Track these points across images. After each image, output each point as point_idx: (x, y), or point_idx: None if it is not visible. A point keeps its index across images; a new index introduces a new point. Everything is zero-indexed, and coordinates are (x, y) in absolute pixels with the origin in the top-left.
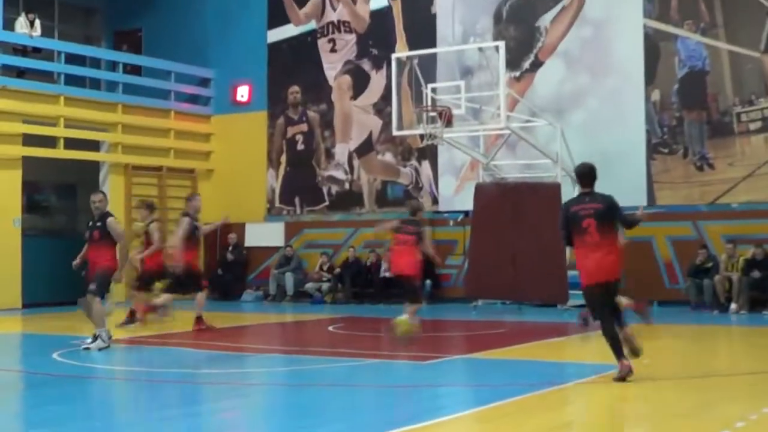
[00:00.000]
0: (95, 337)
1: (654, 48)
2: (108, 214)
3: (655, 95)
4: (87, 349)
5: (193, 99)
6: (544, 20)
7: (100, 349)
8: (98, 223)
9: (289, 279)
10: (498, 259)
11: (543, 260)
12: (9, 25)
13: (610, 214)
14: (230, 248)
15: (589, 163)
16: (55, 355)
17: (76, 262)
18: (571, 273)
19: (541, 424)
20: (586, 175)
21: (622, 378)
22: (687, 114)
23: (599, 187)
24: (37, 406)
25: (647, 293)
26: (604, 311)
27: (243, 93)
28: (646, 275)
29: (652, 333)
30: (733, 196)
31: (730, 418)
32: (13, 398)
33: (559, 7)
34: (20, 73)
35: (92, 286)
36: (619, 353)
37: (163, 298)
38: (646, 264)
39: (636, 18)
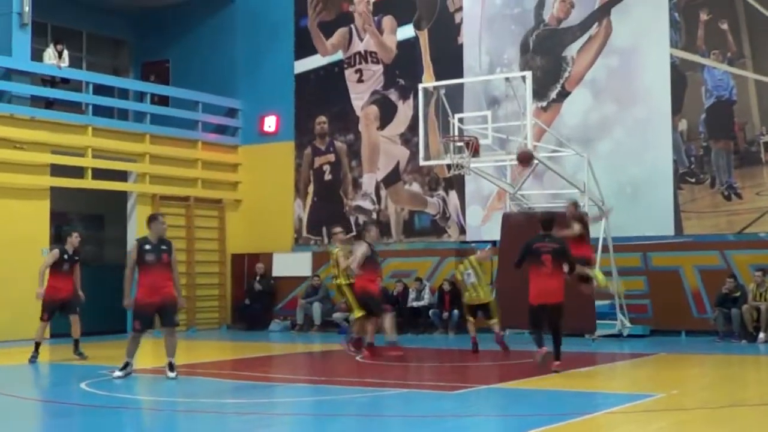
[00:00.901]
0: (125, 365)
1: (681, 78)
2: (167, 239)
3: (682, 125)
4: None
5: (221, 129)
6: (571, 50)
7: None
8: (164, 246)
9: (316, 309)
10: (526, 289)
11: (571, 290)
12: (37, 56)
13: (562, 254)
14: (258, 278)
15: (552, 212)
16: (82, 385)
17: (128, 302)
18: (598, 303)
19: None
20: (549, 221)
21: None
22: (714, 143)
23: (628, 215)
24: None
25: (675, 322)
26: (542, 323)
27: (270, 123)
28: (674, 305)
29: (680, 363)
30: (761, 225)
31: None
32: (42, 429)
33: (585, 37)
34: (49, 103)
35: (177, 319)
36: (540, 344)
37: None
38: (674, 293)
39: (662, 48)
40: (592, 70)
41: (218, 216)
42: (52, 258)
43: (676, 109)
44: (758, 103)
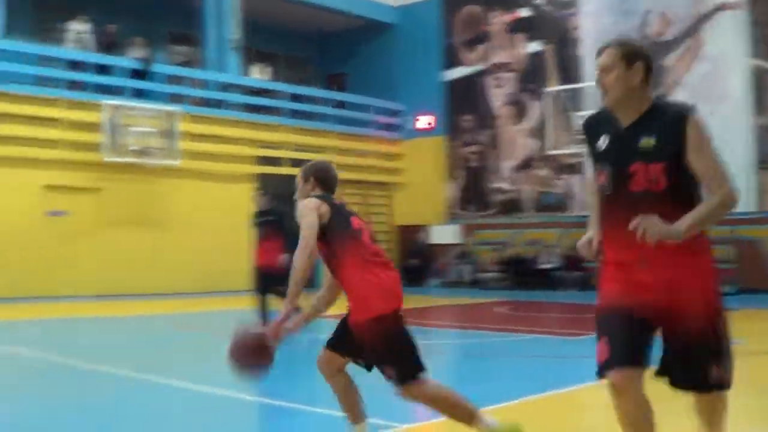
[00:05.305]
0: None
1: (759, 81)
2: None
3: (761, 120)
4: None
5: (387, 127)
6: (670, 59)
7: None
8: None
9: (465, 269)
10: None
11: None
12: (246, 73)
13: None
14: (418, 245)
15: None
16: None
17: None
18: None
19: (662, 391)
20: None
21: None
22: None
23: None
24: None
25: (758, 284)
26: None
27: (427, 121)
28: (757, 269)
29: (758, 316)
30: None
31: None
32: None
33: (682, 48)
34: (255, 108)
35: None
36: None
37: None
38: (756, 261)
39: (744, 57)
40: (687, 75)
41: (387, 195)
42: None
43: (756, 106)
44: None
